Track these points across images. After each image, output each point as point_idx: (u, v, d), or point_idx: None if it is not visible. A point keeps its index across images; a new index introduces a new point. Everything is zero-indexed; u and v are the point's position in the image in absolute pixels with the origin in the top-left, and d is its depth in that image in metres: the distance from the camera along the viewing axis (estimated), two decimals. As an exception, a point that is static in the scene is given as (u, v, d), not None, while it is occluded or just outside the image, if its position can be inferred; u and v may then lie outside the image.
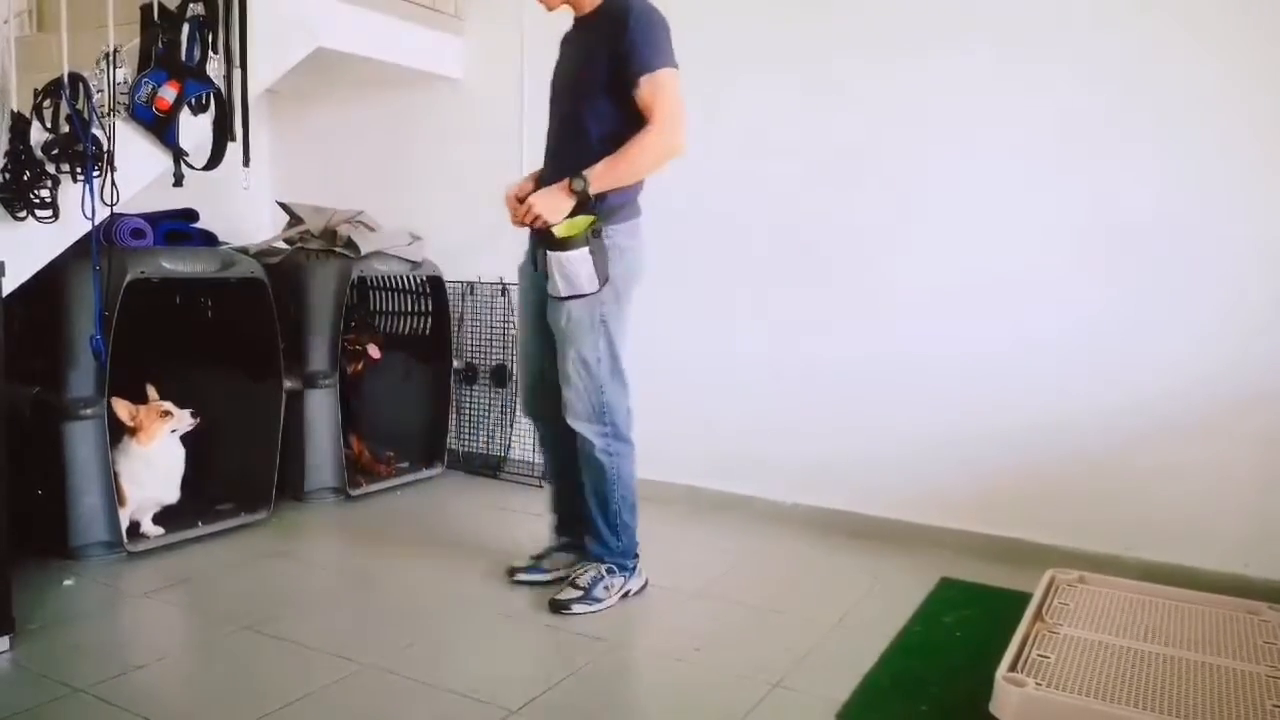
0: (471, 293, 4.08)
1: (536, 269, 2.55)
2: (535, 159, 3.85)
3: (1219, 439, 2.83)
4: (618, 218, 2.51)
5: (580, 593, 2.62)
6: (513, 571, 2.84)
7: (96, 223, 2.55)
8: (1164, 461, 2.89)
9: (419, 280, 4.03)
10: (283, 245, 3.74)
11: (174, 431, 3.06)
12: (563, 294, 2.46)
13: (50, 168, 2.50)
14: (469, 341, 4.12)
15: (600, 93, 2.45)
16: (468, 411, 4.16)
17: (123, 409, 2.96)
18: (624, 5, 2.43)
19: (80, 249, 2.64)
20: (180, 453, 3.09)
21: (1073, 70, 2.93)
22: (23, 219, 2.46)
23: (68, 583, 2.76)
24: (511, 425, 4.04)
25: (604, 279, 2.46)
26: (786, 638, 2.51)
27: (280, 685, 2.17)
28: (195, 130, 2.80)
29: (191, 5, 2.76)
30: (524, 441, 4.00)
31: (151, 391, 3.13)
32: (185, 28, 2.74)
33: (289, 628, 2.50)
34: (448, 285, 4.00)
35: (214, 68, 2.82)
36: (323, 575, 3.04)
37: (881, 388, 3.27)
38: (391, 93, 4.21)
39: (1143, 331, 2.90)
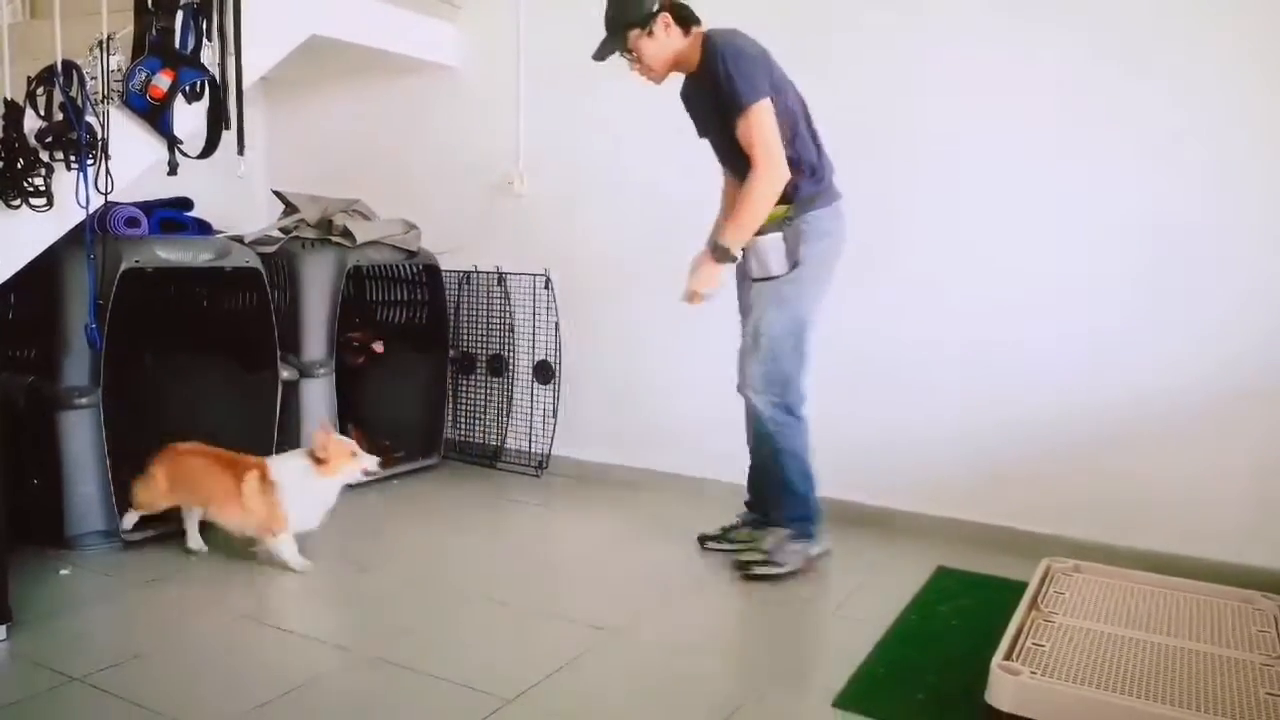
0: (468, 282, 4.07)
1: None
2: (531, 148, 3.92)
3: (1214, 429, 2.84)
4: (817, 204, 2.68)
5: (763, 556, 2.79)
6: (703, 540, 3.01)
7: (91, 211, 2.54)
8: (1159, 451, 2.90)
9: (415, 269, 4.03)
10: (278, 234, 3.73)
11: (350, 474, 2.92)
12: (755, 275, 2.71)
13: (44, 156, 2.49)
14: (465, 331, 4.12)
15: (724, 118, 2.63)
16: (464, 401, 4.16)
17: (335, 445, 2.87)
18: (711, 50, 2.60)
19: (74, 238, 2.62)
20: (338, 491, 2.95)
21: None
22: (16, 207, 2.44)
23: (64, 572, 2.76)
24: (508, 415, 4.04)
25: (794, 262, 2.65)
26: (783, 626, 2.51)
27: (277, 674, 2.17)
28: (190, 118, 2.78)
29: (186, -8, 2.74)
30: (520, 431, 4.01)
31: (355, 433, 3.24)
32: (179, 15, 2.72)
33: (286, 617, 2.50)
34: (444, 274, 3.99)
35: (208, 55, 2.80)
36: (319, 564, 3.03)
37: (878, 378, 3.27)
38: (387, 81, 4.19)
39: (1139, 326, 2.91)
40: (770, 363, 2.71)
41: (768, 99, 2.57)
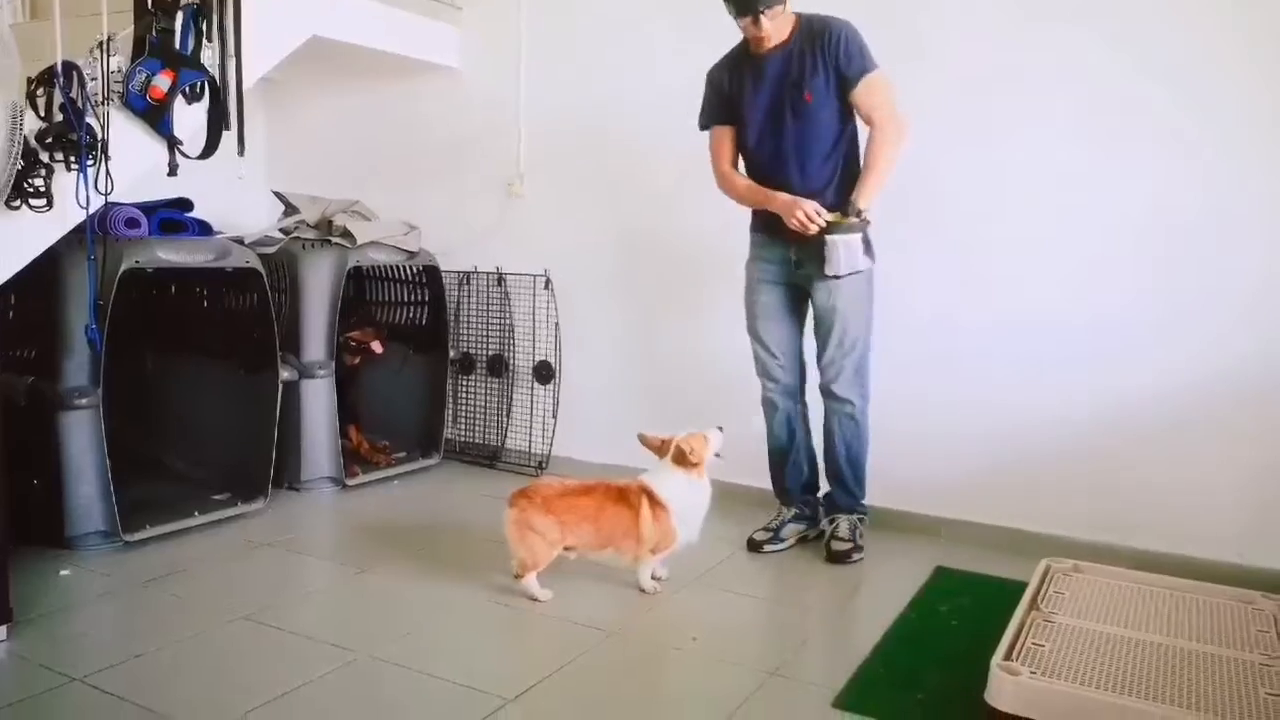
0: (468, 282, 4.08)
1: (798, 267, 2.86)
2: (532, 148, 3.92)
3: (1214, 429, 2.84)
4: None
5: (851, 543, 2.96)
6: (756, 545, 3.05)
7: (91, 212, 2.54)
8: (1159, 451, 2.90)
9: (415, 270, 4.03)
10: (278, 235, 3.73)
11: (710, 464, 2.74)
12: (842, 272, 2.73)
13: (44, 156, 2.49)
14: (465, 331, 4.12)
15: (822, 97, 2.75)
16: (464, 401, 4.16)
17: (696, 441, 2.68)
18: (820, 20, 2.76)
19: (75, 238, 2.62)
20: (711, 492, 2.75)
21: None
22: (17, 208, 2.44)
23: (64, 573, 2.76)
24: (508, 415, 4.04)
25: (873, 255, 2.77)
26: (783, 626, 2.51)
27: (278, 674, 2.18)
28: (190, 119, 2.78)
29: (186, -7, 2.74)
30: (520, 431, 4.01)
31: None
32: (180, 16, 2.72)
33: (286, 617, 2.50)
34: (444, 275, 3.99)
35: (209, 56, 2.80)
36: (319, 565, 3.04)
37: (877, 378, 3.26)
38: (388, 82, 4.19)
39: (1140, 328, 2.91)
40: (860, 359, 2.90)
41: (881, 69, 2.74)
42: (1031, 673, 1.97)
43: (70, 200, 2.50)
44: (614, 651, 2.37)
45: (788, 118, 2.80)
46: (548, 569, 2.62)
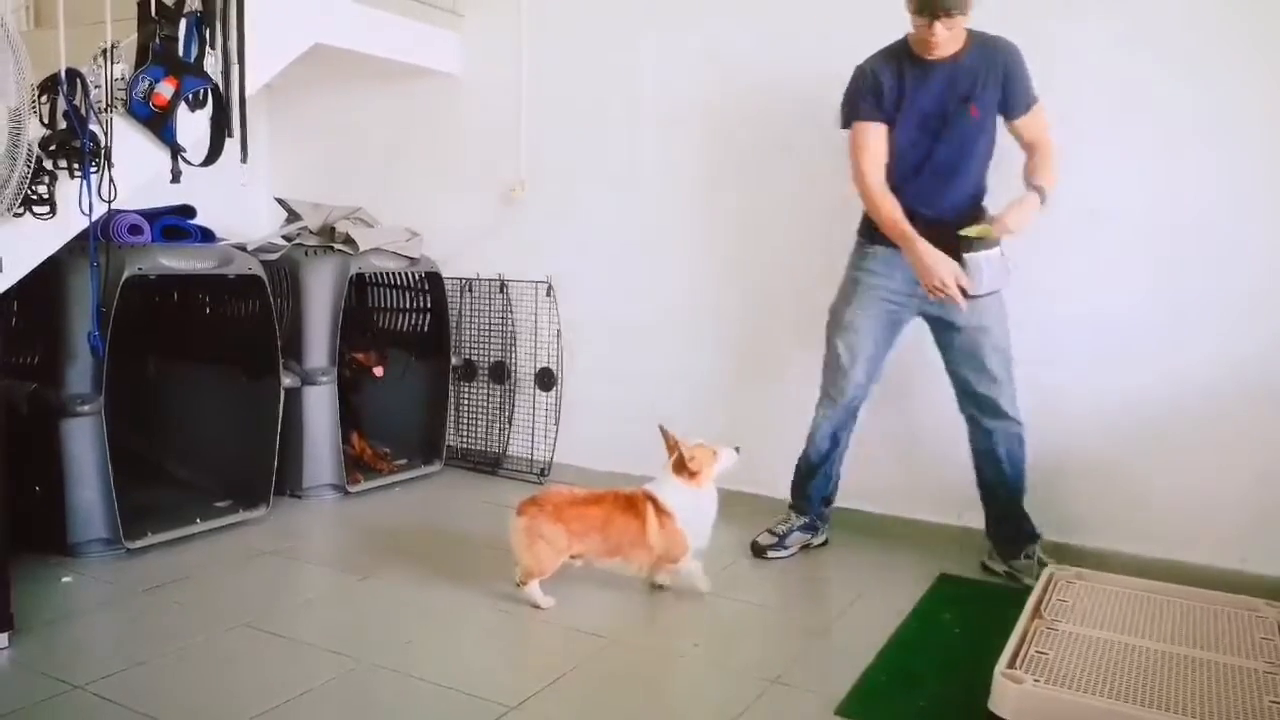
0: (470, 289, 4.08)
1: (930, 293, 2.73)
2: (534, 155, 3.92)
3: (1218, 435, 2.84)
4: None
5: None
6: (760, 549, 3.04)
7: (94, 219, 2.55)
8: (1161, 458, 2.90)
9: (417, 277, 4.03)
10: (281, 241, 3.73)
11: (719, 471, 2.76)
12: (985, 290, 2.68)
13: (48, 164, 2.49)
14: (468, 338, 4.12)
15: (987, 115, 2.72)
16: (466, 408, 4.16)
17: (702, 454, 2.70)
18: (994, 39, 2.71)
19: (78, 245, 2.63)
20: (717, 499, 2.78)
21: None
22: (20, 215, 2.44)
23: (66, 580, 2.75)
24: (510, 422, 4.04)
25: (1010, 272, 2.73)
26: (785, 633, 2.51)
27: (279, 682, 2.17)
28: (193, 126, 2.78)
29: (189, 1, 2.75)
30: (522, 438, 4.01)
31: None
32: (183, 23, 2.73)
33: (288, 625, 2.50)
34: (446, 281, 3.99)
35: (212, 63, 2.80)
36: (321, 572, 3.04)
37: (881, 386, 3.26)
38: (390, 88, 4.20)
39: (1141, 332, 2.91)
40: (1013, 382, 2.82)
41: None
42: (1035, 681, 1.96)
43: (73, 207, 2.51)
44: (615, 658, 2.36)
45: (946, 130, 2.71)
46: (551, 576, 2.62)
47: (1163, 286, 2.88)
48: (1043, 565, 2.72)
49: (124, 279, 2.84)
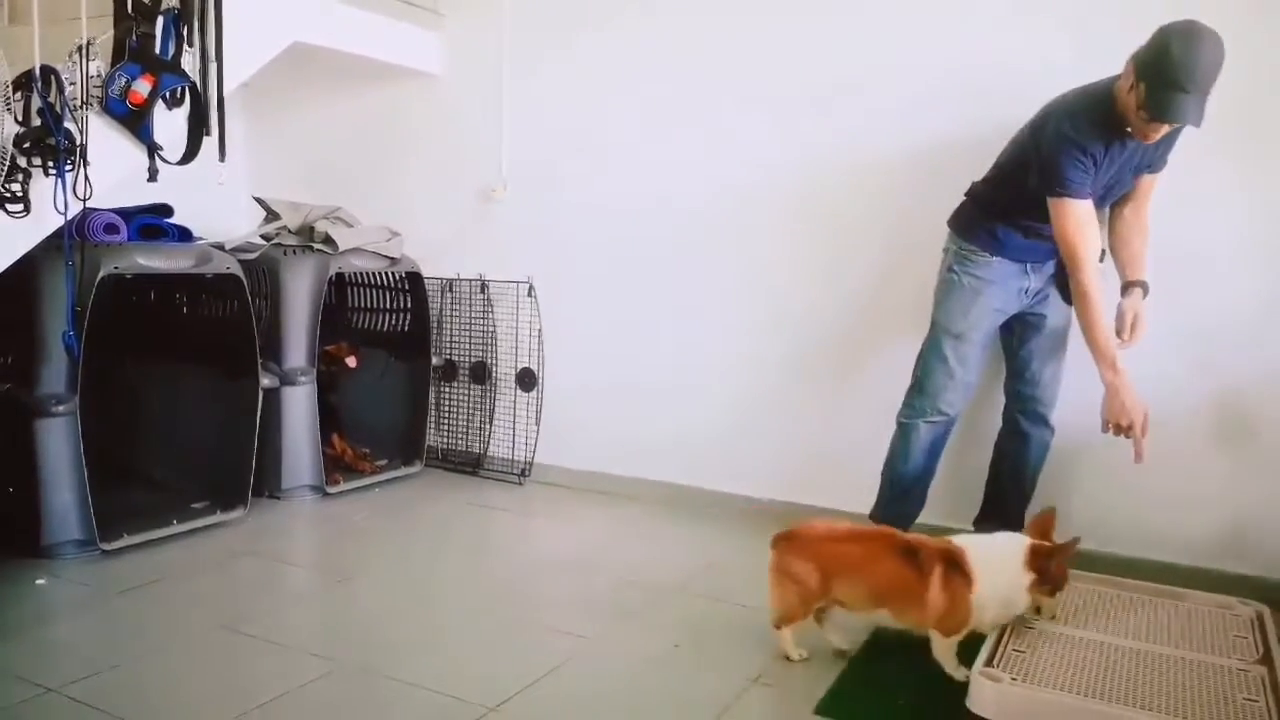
0: (450, 289, 4.07)
1: (1033, 295, 2.79)
2: (514, 155, 3.91)
3: (1194, 435, 2.87)
4: None
5: None
6: None
7: (69, 217, 2.52)
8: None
9: (397, 277, 4.01)
10: (259, 241, 3.71)
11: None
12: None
13: (22, 161, 2.47)
14: (448, 338, 4.10)
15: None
16: (447, 409, 4.15)
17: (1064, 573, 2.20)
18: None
19: (52, 244, 2.60)
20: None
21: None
22: (-7, 213, 2.42)
23: (40, 582, 2.72)
24: (491, 422, 4.03)
25: None
26: (765, 633, 2.51)
27: (256, 684, 2.16)
28: (170, 124, 2.76)
29: (166, -2, 2.73)
30: (503, 438, 4.00)
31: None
32: (160, 20, 2.71)
33: (265, 626, 2.48)
34: (427, 281, 3.98)
35: (189, 61, 2.79)
36: (299, 573, 3.02)
37: (865, 387, 3.28)
38: (369, 88, 4.18)
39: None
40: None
41: None
42: (1013, 679, 1.98)
43: (48, 205, 2.49)
44: (596, 659, 2.36)
45: (1110, 195, 2.69)
46: (811, 624, 2.34)
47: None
48: None
49: (99, 278, 2.81)
